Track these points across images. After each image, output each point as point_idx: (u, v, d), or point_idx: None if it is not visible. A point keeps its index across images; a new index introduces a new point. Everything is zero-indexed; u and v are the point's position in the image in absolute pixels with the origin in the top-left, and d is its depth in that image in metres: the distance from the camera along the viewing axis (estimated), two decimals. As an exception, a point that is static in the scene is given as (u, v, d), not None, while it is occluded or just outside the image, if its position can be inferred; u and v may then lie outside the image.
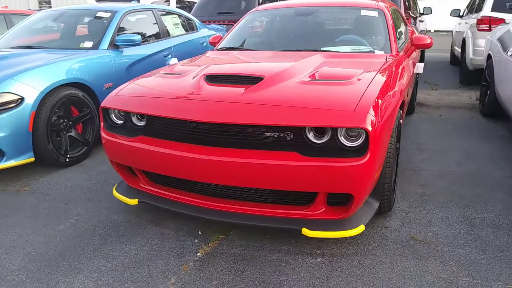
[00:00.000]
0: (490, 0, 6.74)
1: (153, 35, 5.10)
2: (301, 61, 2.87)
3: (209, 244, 2.48)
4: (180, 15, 5.88)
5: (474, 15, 7.43)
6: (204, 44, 6.14)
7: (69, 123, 3.73)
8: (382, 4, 3.82)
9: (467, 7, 9.08)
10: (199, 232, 2.61)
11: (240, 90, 2.39)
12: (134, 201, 2.65)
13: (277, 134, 2.23)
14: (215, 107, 2.28)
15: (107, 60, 4.17)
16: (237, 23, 4.11)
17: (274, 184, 2.23)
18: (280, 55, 3.24)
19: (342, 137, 2.16)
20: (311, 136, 2.20)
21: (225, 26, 7.74)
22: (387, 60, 3.08)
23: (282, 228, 2.31)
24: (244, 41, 3.83)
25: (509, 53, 4.21)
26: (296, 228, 2.28)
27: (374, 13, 3.67)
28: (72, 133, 3.77)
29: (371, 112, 2.13)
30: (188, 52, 5.63)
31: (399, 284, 2.10)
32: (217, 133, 2.29)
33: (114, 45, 4.34)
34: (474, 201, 2.95)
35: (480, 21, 6.68)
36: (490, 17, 6.55)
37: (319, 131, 2.20)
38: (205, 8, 8.16)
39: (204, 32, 6.32)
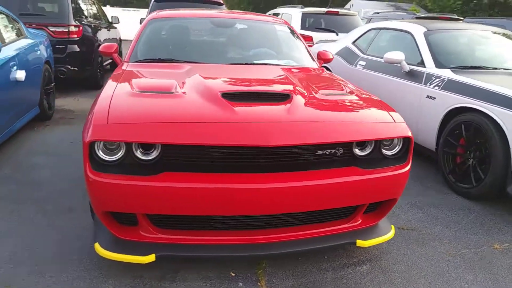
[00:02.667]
0: (297, 19, 7.96)
1: (-6, 39, 3.83)
2: (283, 76, 2.82)
3: (259, 284, 2.19)
4: (7, 16, 4.58)
5: None
6: (39, 52, 4.98)
7: None
8: (282, 21, 4.08)
9: None
10: (233, 274, 2.25)
11: (278, 108, 2.21)
12: (150, 258, 2.06)
13: (329, 151, 2.18)
14: (276, 128, 2.04)
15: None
16: (141, 31, 3.56)
17: (337, 202, 2.19)
18: (242, 69, 3.07)
19: (382, 148, 2.30)
20: (356, 150, 2.25)
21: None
22: (325, 71, 3.37)
23: (337, 245, 2.29)
24: (169, 51, 3.39)
25: (358, 66, 5.17)
26: (350, 242, 2.30)
27: (285, 28, 3.89)
28: None
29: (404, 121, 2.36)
30: (30, 62, 4.48)
31: (436, 267, 2.41)
32: (268, 157, 2.06)
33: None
34: (401, 189, 3.56)
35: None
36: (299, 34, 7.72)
37: (362, 144, 2.28)
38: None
39: (31, 39, 5.10)
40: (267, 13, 9.88)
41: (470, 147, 3.43)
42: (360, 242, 2.30)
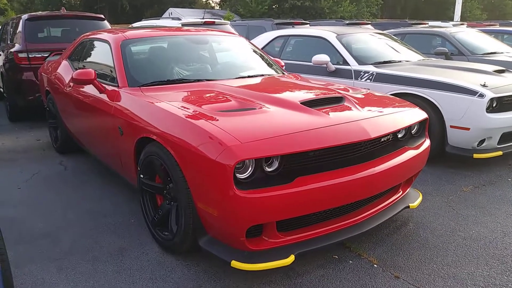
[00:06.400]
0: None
1: None
2: (308, 83, 3.26)
3: (363, 256, 2.59)
4: None
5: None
6: None
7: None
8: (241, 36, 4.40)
9: None
10: (335, 257, 2.59)
11: (347, 108, 2.64)
12: (291, 258, 2.25)
13: (387, 137, 2.72)
14: (365, 124, 2.48)
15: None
16: (119, 55, 3.36)
17: (405, 175, 2.78)
18: (259, 81, 3.33)
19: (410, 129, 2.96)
20: (398, 133, 2.85)
21: None
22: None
23: (397, 213, 2.83)
24: (172, 72, 3.36)
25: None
26: (406, 207, 2.88)
27: (247, 43, 4.21)
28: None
29: None
30: None
31: (448, 211, 3.20)
32: (367, 148, 2.48)
33: None
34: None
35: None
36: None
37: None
38: None
39: None
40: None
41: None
42: (411, 206, 2.91)
